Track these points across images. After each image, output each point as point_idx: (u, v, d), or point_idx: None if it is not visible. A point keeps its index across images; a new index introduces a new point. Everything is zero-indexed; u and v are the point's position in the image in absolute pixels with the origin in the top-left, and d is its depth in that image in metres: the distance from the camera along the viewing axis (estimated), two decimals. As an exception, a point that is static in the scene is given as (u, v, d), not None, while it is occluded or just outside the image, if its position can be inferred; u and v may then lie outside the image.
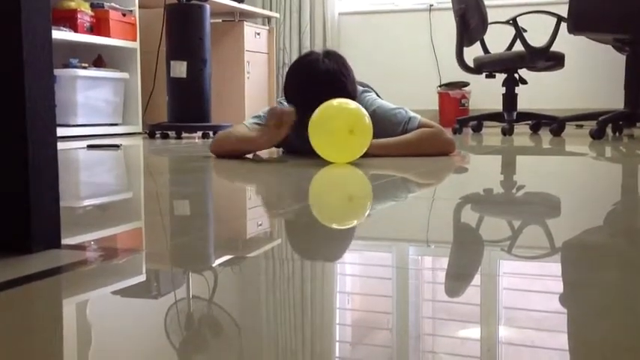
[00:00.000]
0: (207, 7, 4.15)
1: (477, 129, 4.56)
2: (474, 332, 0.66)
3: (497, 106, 4.43)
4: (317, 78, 2.34)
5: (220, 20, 5.13)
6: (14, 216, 0.90)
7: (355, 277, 0.87)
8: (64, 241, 0.98)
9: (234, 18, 5.29)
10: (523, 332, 0.65)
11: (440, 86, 5.53)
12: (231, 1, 5.02)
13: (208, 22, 4.14)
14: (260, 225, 1.26)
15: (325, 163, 2.28)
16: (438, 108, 5.38)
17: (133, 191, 1.74)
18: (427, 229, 1.17)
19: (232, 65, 5.05)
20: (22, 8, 0.87)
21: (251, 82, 5.18)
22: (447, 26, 5.74)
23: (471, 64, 4.38)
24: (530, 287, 0.83)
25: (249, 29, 5.15)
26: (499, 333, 0.65)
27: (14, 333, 0.64)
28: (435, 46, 5.68)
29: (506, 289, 0.81)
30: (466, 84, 5.39)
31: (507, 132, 4.18)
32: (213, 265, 0.91)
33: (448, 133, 2.60)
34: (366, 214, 1.36)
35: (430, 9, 5.72)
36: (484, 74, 4.44)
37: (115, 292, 0.78)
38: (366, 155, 2.29)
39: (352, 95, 2.37)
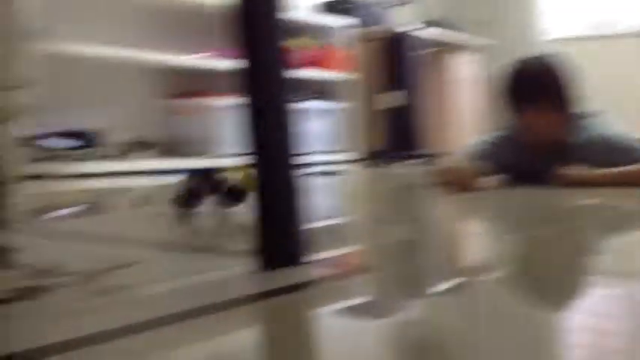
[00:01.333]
0: (422, 37, 4.24)
1: None
2: None
3: None
4: (525, 68, 2.36)
5: (435, 49, 5.21)
6: (270, 234, 1.01)
7: (582, 313, 0.86)
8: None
9: (448, 47, 5.34)
10: None
11: None
12: (444, 31, 5.08)
13: (423, 52, 4.23)
14: (486, 251, 1.27)
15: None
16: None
17: (355, 215, 1.84)
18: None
19: (445, 93, 5.09)
20: (259, 48, 0.99)
21: (466, 109, 5.17)
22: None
23: None
24: None
25: (461, 57, 5.17)
26: None
27: (266, 338, 0.73)
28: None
29: None
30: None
31: None
32: (438, 290, 0.94)
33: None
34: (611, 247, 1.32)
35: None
36: None
37: (347, 310, 0.84)
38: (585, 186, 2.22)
39: (563, 98, 2.32)
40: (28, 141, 3.02)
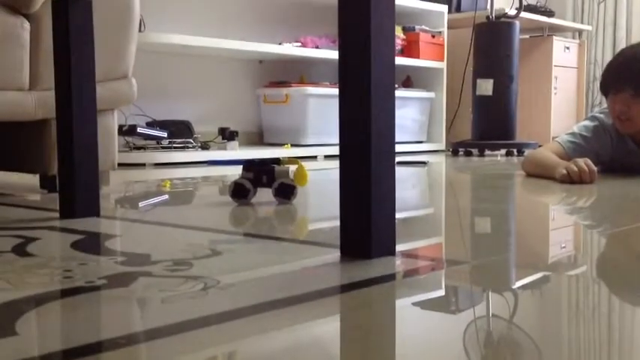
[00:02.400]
0: (517, 23, 4.10)
1: None
2: None
3: None
4: (617, 60, 2.33)
5: (528, 36, 5.03)
6: (358, 224, 1.00)
7: None
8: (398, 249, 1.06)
9: (544, 33, 5.14)
10: None
11: None
12: (541, 16, 4.89)
13: (517, 38, 4.08)
14: (565, 247, 1.21)
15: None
16: None
17: (447, 206, 1.79)
18: None
19: (539, 81, 4.90)
20: (371, 39, 0.97)
21: (558, 97, 4.97)
22: None
23: None
24: None
25: (558, 44, 4.96)
26: None
27: (349, 330, 0.71)
28: None
29: None
30: None
31: None
32: (517, 284, 0.90)
33: None
34: None
35: None
36: None
37: (430, 303, 0.82)
38: None
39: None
40: (126, 130, 3.12)
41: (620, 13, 5.60)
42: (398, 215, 1.56)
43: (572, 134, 2.42)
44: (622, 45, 5.54)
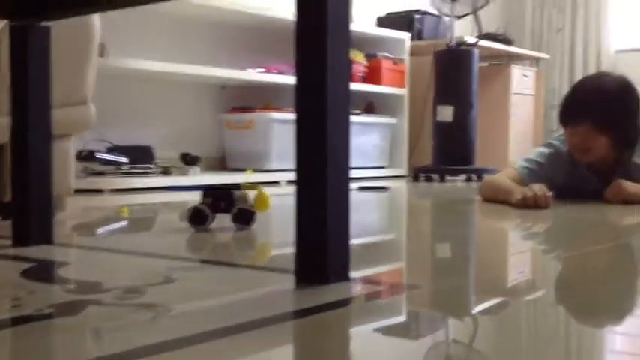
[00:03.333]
0: (476, 51, 4.18)
1: None
2: None
3: None
4: (580, 92, 2.33)
5: (488, 64, 5.13)
6: (314, 250, 1.00)
7: (629, 335, 0.81)
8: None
9: (502, 61, 5.25)
10: None
11: None
12: (500, 45, 4.99)
13: (477, 66, 4.16)
14: (522, 272, 1.23)
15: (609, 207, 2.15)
16: None
17: (407, 231, 1.80)
18: None
19: (498, 108, 5.00)
20: (328, 61, 0.98)
21: (516, 124, 5.07)
22: None
23: None
24: None
25: (516, 71, 5.07)
26: None
27: (305, 356, 0.70)
28: None
29: None
30: None
31: None
32: (476, 309, 0.91)
33: None
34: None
35: None
36: None
37: (391, 328, 0.82)
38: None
39: (608, 120, 2.27)
40: (85, 155, 3.08)
41: (576, 42, 5.75)
42: (358, 240, 1.57)
43: (528, 160, 2.47)
44: (578, 73, 5.69)
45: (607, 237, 1.61)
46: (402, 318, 0.87)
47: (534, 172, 2.40)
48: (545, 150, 2.47)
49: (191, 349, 0.71)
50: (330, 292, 0.96)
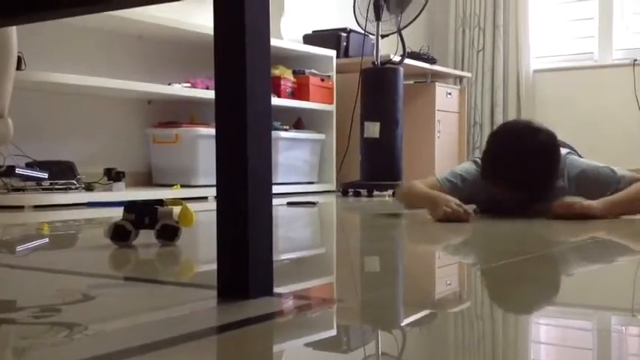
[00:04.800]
0: (401, 69, 4.27)
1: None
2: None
3: None
4: (514, 150, 2.31)
5: (413, 82, 5.25)
6: (236, 265, 0.99)
7: (551, 345, 0.85)
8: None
9: (427, 79, 5.39)
10: None
11: None
12: (424, 63, 5.12)
13: (401, 84, 4.25)
14: (449, 283, 1.26)
15: (526, 220, 2.23)
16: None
17: (328, 246, 1.82)
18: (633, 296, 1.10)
19: (423, 125, 5.12)
20: (247, 77, 0.98)
21: (442, 140, 5.20)
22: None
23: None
24: None
25: (440, 89, 5.21)
26: None
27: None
28: (640, 101, 5.33)
29: None
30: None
31: None
32: (404, 322, 0.93)
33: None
34: (566, 275, 1.31)
35: (634, 64, 5.41)
36: None
37: (316, 342, 0.83)
38: (590, 217, 2.26)
39: (551, 178, 2.34)
40: (3, 170, 2.97)
41: (497, 62, 5.96)
42: (286, 255, 1.57)
43: (453, 174, 2.52)
44: (499, 92, 5.89)
45: (528, 248, 1.67)
46: (327, 332, 0.88)
47: (456, 187, 2.46)
48: (472, 167, 2.52)
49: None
50: (253, 308, 0.96)
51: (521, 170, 2.27)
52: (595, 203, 2.30)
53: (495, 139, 2.46)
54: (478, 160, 2.52)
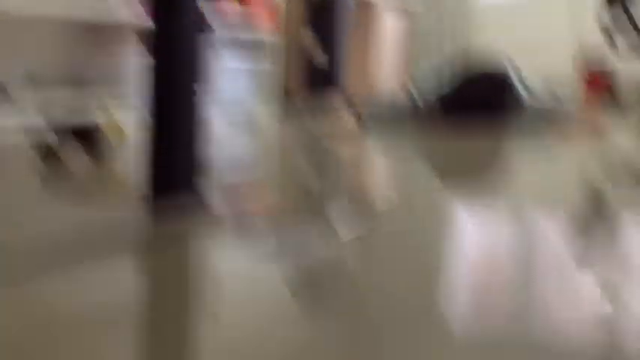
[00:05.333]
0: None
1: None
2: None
3: None
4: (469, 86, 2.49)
5: (360, 10, 5.16)
6: (164, 167, 1.06)
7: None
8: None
9: (374, 8, 5.36)
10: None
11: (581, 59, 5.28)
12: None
13: (349, 11, 4.21)
14: (392, 196, 1.36)
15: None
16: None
17: (266, 166, 1.84)
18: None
19: (371, 50, 5.05)
20: None
21: (388, 64, 5.14)
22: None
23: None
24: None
25: (387, 18, 5.10)
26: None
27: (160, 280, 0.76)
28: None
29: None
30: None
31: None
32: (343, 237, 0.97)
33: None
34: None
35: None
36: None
37: (244, 251, 0.89)
38: None
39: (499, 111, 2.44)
40: None
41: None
42: (222, 172, 1.53)
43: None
44: (447, 25, 5.87)
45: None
46: (254, 242, 0.92)
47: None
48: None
49: (39, 280, 0.74)
50: (188, 219, 1.01)
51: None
52: None
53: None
54: None
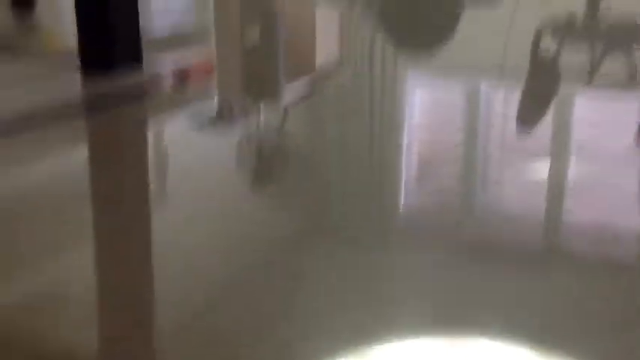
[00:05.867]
0: None
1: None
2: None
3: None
4: None
5: None
6: (98, 32, 0.94)
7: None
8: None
9: None
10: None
11: None
12: None
13: None
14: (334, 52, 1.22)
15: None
16: None
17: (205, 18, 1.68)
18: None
19: None
20: None
21: None
22: None
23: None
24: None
25: None
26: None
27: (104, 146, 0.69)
28: None
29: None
30: None
31: None
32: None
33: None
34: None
35: None
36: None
37: (187, 116, 0.83)
38: None
39: None
40: None
41: None
42: (155, 31, 1.47)
43: None
44: None
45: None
46: (198, 104, 0.86)
47: None
48: None
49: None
50: (118, 80, 0.93)
51: None
52: None
53: None
54: None
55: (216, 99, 0.94)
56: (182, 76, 1.08)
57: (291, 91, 1.00)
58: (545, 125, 0.82)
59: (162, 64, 1.17)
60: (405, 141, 0.79)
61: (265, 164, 0.72)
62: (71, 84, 0.94)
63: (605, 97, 0.93)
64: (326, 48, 1.43)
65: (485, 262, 0.51)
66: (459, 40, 1.38)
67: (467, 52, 1.32)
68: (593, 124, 0.84)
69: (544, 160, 0.72)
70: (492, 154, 0.75)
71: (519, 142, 0.78)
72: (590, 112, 0.93)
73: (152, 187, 0.65)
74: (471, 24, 1.49)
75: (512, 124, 0.84)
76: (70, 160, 0.66)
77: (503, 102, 0.97)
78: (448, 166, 0.71)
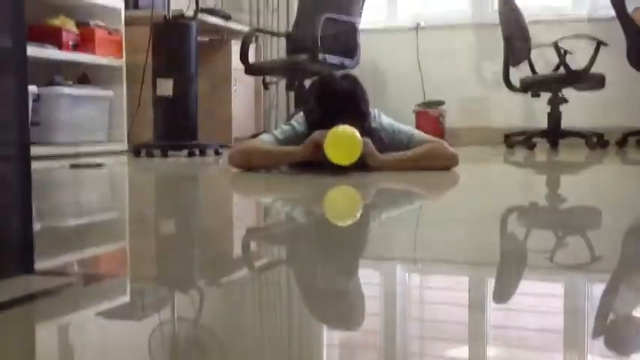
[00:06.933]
0: (194, 24, 4.12)
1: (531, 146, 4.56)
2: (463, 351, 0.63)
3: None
4: (335, 96, 2.49)
5: (207, 39, 5.11)
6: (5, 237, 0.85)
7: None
8: (41, 265, 0.93)
9: (222, 36, 5.27)
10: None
11: (418, 105, 5.49)
12: (219, 19, 5.00)
13: (195, 39, 4.10)
14: (247, 245, 1.22)
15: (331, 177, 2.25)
16: (415, 126, 5.35)
17: (114, 211, 1.69)
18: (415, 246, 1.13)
19: (220, 84, 5.02)
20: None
21: (238, 99, 5.14)
22: (435, 45, 5.72)
23: (516, 83, 4.74)
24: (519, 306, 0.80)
25: (236, 47, 5.13)
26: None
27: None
28: (422, 64, 5.67)
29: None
30: (442, 103, 5.39)
31: (552, 146, 4.62)
32: (199, 285, 0.87)
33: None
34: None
35: (418, 28, 5.72)
36: (530, 93, 4.77)
37: (89, 320, 0.74)
38: (377, 169, 2.44)
39: (365, 114, 2.54)
40: None
41: (290, 22, 5.99)
42: (67, 223, 1.42)
43: (272, 134, 2.69)
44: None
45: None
46: (107, 305, 0.78)
47: (281, 142, 2.63)
48: (285, 127, 2.71)
49: None
50: (7, 288, 0.83)
51: (340, 106, 2.45)
52: (380, 155, 2.45)
53: (314, 88, 2.65)
54: (293, 122, 2.70)
55: (127, 294, 0.85)
56: (86, 273, 0.98)
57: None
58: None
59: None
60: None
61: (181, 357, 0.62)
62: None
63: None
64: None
65: None
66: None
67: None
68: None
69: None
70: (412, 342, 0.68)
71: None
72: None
73: None
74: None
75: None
76: None
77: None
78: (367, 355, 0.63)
